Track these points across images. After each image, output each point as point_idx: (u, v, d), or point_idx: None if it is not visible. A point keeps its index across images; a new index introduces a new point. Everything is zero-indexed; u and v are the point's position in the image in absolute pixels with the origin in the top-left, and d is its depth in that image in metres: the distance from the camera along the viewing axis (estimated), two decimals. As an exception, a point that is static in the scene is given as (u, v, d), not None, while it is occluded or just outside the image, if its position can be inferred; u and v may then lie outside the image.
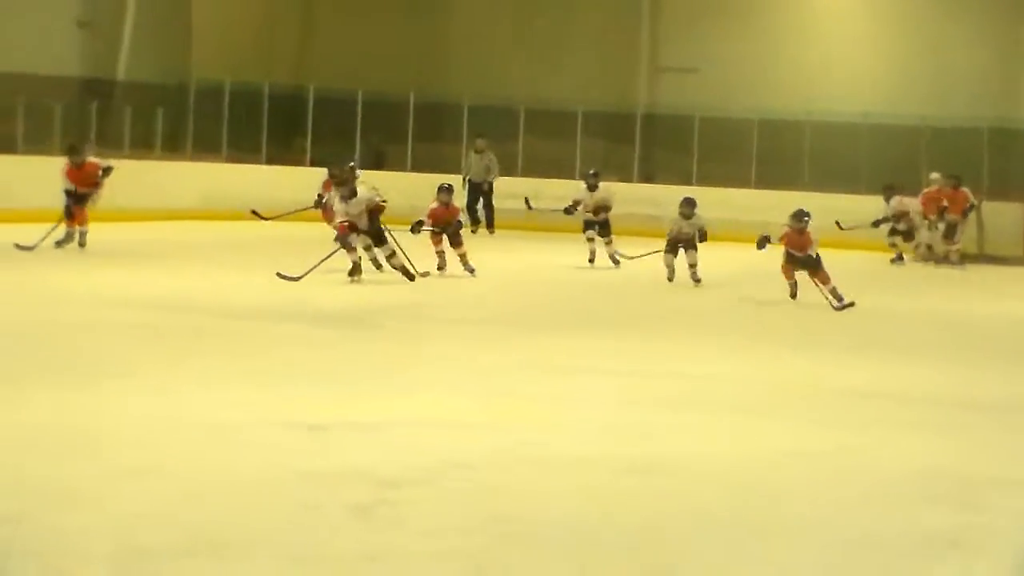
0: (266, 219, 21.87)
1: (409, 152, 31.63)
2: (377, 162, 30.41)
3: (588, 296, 19.54)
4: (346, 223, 18.22)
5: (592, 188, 22.63)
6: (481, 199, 29.97)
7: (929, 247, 26.72)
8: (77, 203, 20.69)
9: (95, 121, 28.64)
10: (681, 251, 19.88)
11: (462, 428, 9.79)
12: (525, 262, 24.03)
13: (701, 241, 19.81)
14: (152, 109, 29.25)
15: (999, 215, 27.68)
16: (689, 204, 19.93)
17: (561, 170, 30.49)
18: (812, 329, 16.49)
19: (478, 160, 30.21)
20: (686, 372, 12.82)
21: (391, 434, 9.49)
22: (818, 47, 33.49)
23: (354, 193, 18.43)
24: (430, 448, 9.03)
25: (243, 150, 30.33)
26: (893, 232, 26.35)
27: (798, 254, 17.86)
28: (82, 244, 20.71)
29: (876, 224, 25.95)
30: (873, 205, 27.12)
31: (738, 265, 23.36)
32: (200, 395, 10.44)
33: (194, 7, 32.61)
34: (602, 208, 22.47)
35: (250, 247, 23.53)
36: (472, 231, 27.93)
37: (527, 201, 24.09)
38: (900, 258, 26.43)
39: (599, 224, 22.47)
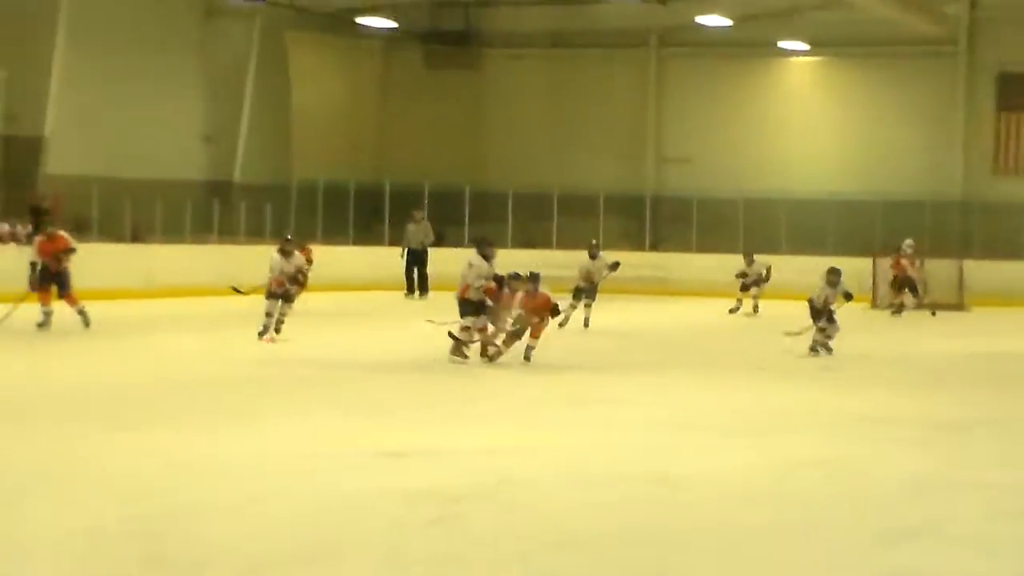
0: (244, 293, 19.56)
1: (465, 232, 31.67)
2: (437, 241, 30.42)
3: (617, 344, 19.43)
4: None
5: (594, 257, 21.14)
6: (416, 267, 28.26)
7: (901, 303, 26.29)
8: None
9: (217, 216, 28.80)
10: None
11: (516, 452, 9.81)
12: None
13: (848, 299, 17.29)
14: (262, 205, 29.38)
15: (939, 271, 27.47)
16: (836, 273, 17.04)
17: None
18: (806, 367, 16.39)
19: (415, 229, 28.60)
20: (700, 402, 12.83)
21: (457, 458, 9.55)
22: (791, 137, 33.41)
23: None
24: (489, 468, 9.07)
25: (334, 234, 30.39)
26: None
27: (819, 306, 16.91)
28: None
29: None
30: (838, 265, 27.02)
31: (733, 317, 23.54)
32: (304, 431, 10.51)
33: (293, 122, 32.81)
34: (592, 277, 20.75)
35: (337, 313, 23.59)
36: (406, 295, 27.45)
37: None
38: (899, 310, 25.79)
39: (586, 291, 20.57)
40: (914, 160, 31.76)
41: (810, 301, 17.02)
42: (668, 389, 13.90)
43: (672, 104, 34.36)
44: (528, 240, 30.80)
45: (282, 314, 17.37)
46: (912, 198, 30.37)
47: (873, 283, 27.56)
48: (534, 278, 15.28)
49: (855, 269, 27.79)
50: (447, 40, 34.99)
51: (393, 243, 29.96)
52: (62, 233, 18.45)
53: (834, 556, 7.08)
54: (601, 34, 33.84)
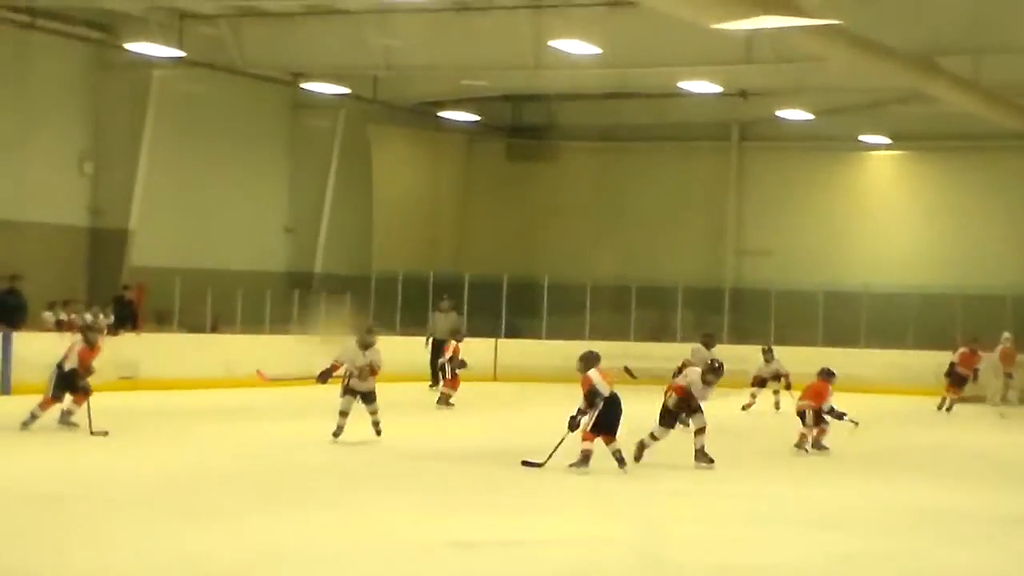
0: (269, 381, 19.54)
1: (544, 324, 31.87)
2: (514, 333, 30.56)
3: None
4: None
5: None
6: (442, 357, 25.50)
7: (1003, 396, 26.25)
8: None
9: (296, 307, 29.18)
10: None
11: (594, 543, 9.97)
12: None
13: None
14: (342, 296, 29.75)
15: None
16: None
17: (665, 334, 30.83)
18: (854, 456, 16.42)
19: (443, 319, 27.49)
20: (764, 494, 12.93)
21: (528, 548, 9.73)
22: (872, 230, 33.53)
23: None
24: (567, 561, 9.24)
25: (413, 324, 30.64)
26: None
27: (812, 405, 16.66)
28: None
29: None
30: (918, 359, 27.22)
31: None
32: (384, 518, 10.75)
33: (375, 214, 33.34)
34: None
35: (411, 402, 23.75)
36: (431, 386, 26.07)
37: (628, 370, 20.62)
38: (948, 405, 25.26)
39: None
40: (998, 253, 31.78)
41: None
42: (738, 481, 14.01)
43: (752, 196, 34.62)
44: (606, 332, 30.97)
45: (372, 413, 16.39)
46: (996, 292, 30.31)
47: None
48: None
49: (935, 362, 28.04)
50: (528, 134, 35.53)
51: (473, 334, 30.15)
52: (100, 343, 17.46)
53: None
54: (683, 126, 34.10)
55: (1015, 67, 25.92)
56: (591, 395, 13.76)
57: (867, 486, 13.88)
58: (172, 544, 9.50)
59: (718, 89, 29.31)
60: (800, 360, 24.53)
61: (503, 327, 31.72)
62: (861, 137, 33.13)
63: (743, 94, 31.60)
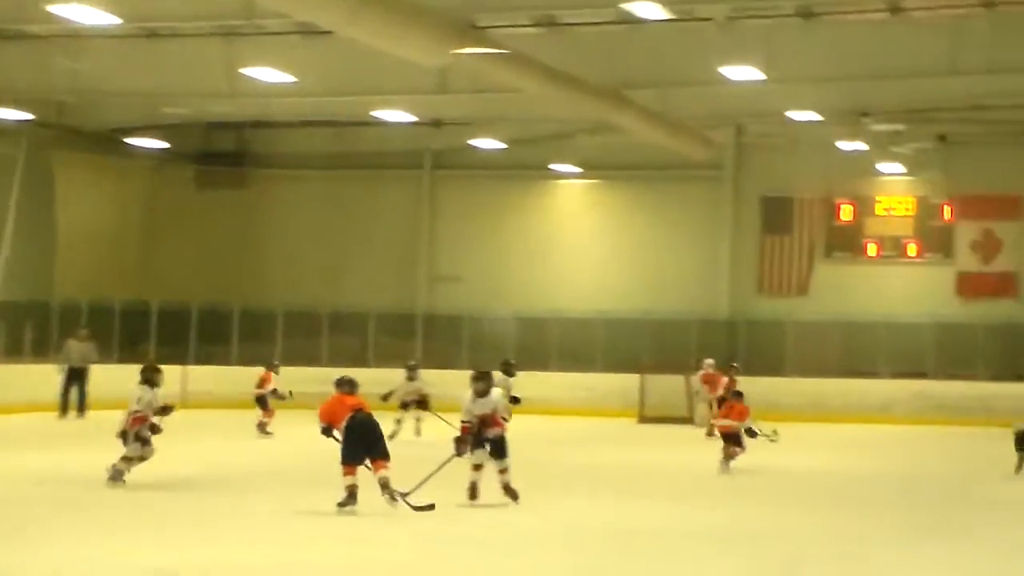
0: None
1: (234, 350, 31.71)
2: (204, 360, 30.27)
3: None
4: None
5: (411, 379, 22.00)
6: (77, 385, 26.46)
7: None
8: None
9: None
10: None
11: (278, 571, 9.99)
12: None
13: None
14: (22, 322, 28.95)
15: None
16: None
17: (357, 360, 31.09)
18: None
19: (78, 347, 26.88)
20: (461, 517, 13.09)
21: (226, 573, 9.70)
22: (563, 257, 34.33)
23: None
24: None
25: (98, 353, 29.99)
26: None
27: None
28: None
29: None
30: (605, 382, 27.97)
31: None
32: (77, 550, 10.56)
33: (59, 242, 32.52)
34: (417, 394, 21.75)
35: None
36: (59, 416, 25.86)
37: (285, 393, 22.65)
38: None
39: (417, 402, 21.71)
40: (683, 280, 33.03)
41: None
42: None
43: (445, 223, 35.12)
44: (296, 358, 30.98)
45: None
46: (681, 317, 31.49)
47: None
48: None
49: (623, 386, 28.95)
50: (219, 161, 35.24)
51: (161, 361, 29.67)
52: None
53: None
54: (376, 155, 34.41)
55: (700, 100, 27.03)
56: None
57: (561, 505, 14.18)
58: None
59: (412, 118, 29.67)
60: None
61: (192, 354, 31.38)
62: (552, 166, 33.94)
63: (437, 123, 32.08)
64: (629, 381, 28.06)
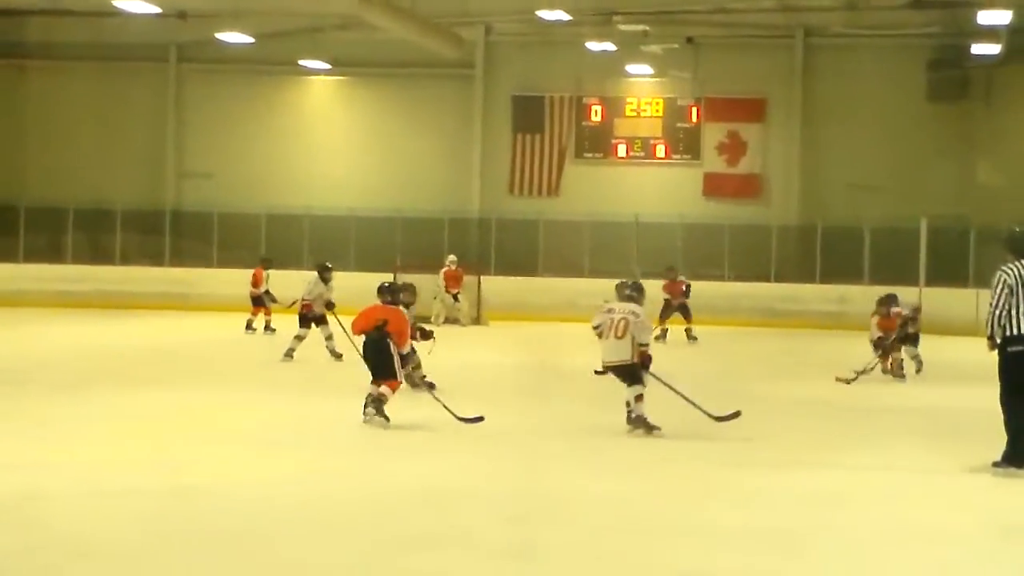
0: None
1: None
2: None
3: (139, 359, 19.26)
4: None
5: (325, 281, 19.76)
6: None
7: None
8: None
9: None
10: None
11: (38, 467, 9.85)
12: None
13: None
14: None
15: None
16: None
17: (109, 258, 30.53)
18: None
19: None
20: (220, 415, 12.98)
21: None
22: (314, 154, 34.05)
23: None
24: (11, 484, 9.10)
25: None
26: None
27: None
28: None
29: None
30: (360, 281, 27.79)
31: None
32: None
33: None
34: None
35: None
36: None
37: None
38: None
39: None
40: (435, 179, 33.16)
41: None
42: (185, 403, 14.04)
43: (193, 119, 34.46)
44: (40, 255, 30.33)
45: None
46: (433, 216, 31.61)
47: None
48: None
49: (375, 285, 28.85)
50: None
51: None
52: None
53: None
54: (120, 47, 33.49)
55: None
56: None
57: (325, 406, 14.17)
58: None
59: (156, 10, 28.91)
60: (245, 281, 24.79)
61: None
62: (301, 62, 33.52)
63: (182, 15, 31.34)
64: (382, 279, 27.96)
